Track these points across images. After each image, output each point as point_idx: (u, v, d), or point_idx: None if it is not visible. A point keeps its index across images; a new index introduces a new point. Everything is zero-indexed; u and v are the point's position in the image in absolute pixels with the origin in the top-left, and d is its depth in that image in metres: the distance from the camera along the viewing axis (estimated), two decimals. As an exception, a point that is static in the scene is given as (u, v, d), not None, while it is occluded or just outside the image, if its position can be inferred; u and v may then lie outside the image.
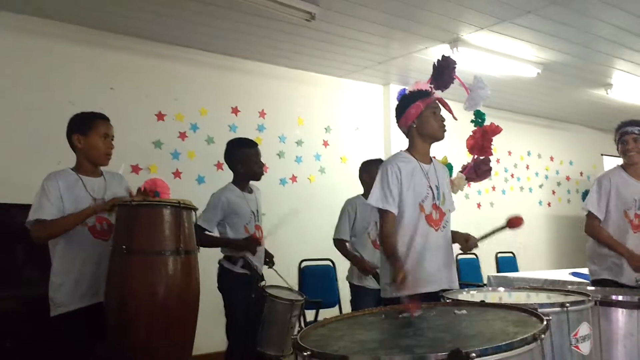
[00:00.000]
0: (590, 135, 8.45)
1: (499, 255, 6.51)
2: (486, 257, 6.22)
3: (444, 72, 2.72)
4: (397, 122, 2.60)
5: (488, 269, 6.15)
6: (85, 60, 4.55)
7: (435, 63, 2.76)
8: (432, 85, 2.69)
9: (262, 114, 5.42)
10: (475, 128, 3.73)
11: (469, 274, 5.90)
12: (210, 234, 3.19)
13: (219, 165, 4.96)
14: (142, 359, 2.25)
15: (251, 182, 3.40)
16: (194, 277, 2.44)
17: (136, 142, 4.68)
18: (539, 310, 1.65)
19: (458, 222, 6.48)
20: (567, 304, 1.80)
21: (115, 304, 2.33)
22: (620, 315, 2.13)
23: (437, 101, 2.53)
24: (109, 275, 2.37)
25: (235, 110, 5.26)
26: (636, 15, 4.39)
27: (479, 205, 7.25)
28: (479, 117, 3.78)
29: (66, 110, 2.68)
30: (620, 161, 3.28)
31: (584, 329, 1.84)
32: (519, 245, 7.15)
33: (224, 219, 3.15)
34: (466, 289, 2.39)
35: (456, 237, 2.62)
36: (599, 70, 5.83)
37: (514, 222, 2.47)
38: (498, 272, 6.16)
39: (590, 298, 1.94)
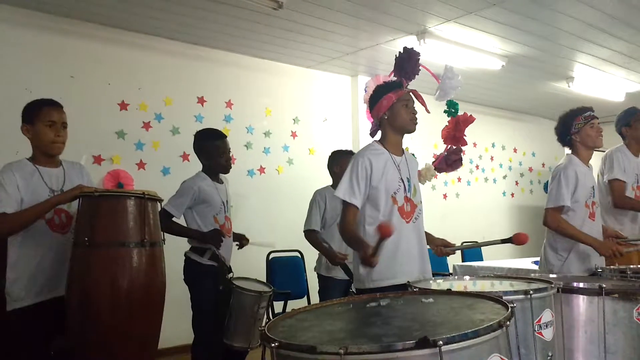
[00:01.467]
0: (552, 127, 8.57)
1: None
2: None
3: (406, 64, 2.72)
4: (370, 112, 2.59)
5: (454, 258, 6.25)
6: (44, 48, 4.39)
7: (397, 55, 2.76)
8: (395, 78, 2.68)
9: (229, 104, 5.35)
10: (449, 118, 3.78)
11: (435, 264, 5.91)
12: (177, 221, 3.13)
13: (184, 156, 4.88)
14: (104, 353, 2.19)
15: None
16: (160, 269, 2.40)
17: (98, 132, 4.57)
18: (504, 297, 1.67)
19: (425, 212, 6.59)
20: (531, 292, 1.83)
21: (76, 297, 2.27)
22: (582, 302, 2.17)
23: (410, 94, 2.53)
24: (70, 268, 2.30)
25: (201, 100, 5.18)
26: (598, 10, 4.50)
27: (445, 196, 7.35)
28: (451, 107, 3.82)
29: (23, 99, 2.57)
30: (567, 151, 3.32)
31: (546, 315, 1.88)
32: (483, 236, 7.30)
33: (192, 208, 3.09)
34: (432, 278, 2.41)
35: (432, 240, 2.63)
36: (561, 64, 5.97)
37: (520, 239, 2.45)
38: (463, 261, 6.27)
39: (552, 285, 1.98)
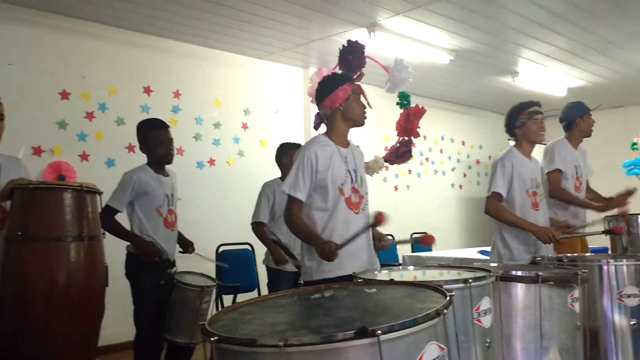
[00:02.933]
0: (498, 121, 8.76)
1: (414, 235, 6.74)
2: (401, 238, 6.41)
3: (351, 56, 2.72)
4: (319, 103, 2.56)
5: (403, 249, 6.36)
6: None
7: (341, 48, 2.76)
8: (340, 70, 2.69)
9: (176, 94, 5.23)
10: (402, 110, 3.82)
11: (385, 255, 6.03)
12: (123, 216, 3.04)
13: (130, 148, 4.74)
14: (39, 348, 2.11)
15: (167, 166, 3.27)
16: (99, 264, 2.32)
17: (38, 123, 4.38)
18: (444, 286, 1.71)
19: (376, 205, 6.65)
20: (470, 280, 1.87)
21: (11, 293, 2.18)
22: (520, 290, 2.25)
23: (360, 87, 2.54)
24: (3, 263, 2.21)
25: (147, 90, 5.04)
26: (541, 7, 4.64)
27: (396, 188, 7.46)
28: (403, 99, 3.86)
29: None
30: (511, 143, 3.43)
31: (485, 303, 1.93)
32: (432, 227, 7.46)
33: (134, 200, 3.01)
34: (379, 269, 2.43)
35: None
36: (506, 59, 6.13)
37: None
38: (413, 252, 6.39)
39: (491, 274, 2.03)
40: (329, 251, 2.22)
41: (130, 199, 2.99)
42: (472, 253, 5.49)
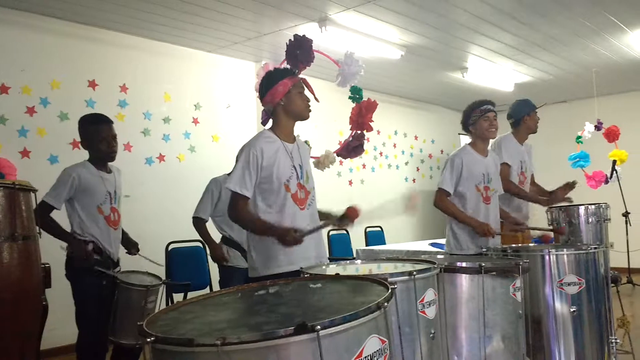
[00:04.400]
0: (449, 116, 9.08)
1: (368, 229, 6.81)
2: (356, 232, 6.46)
3: (297, 51, 2.71)
4: (262, 98, 2.55)
5: (358, 243, 6.41)
6: None
7: (288, 42, 2.74)
8: (288, 65, 2.67)
9: (123, 88, 5.07)
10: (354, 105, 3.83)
11: (340, 249, 6.10)
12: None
13: (74, 144, 4.58)
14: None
15: (112, 163, 3.16)
16: (35, 264, 2.22)
17: (-26, 118, 4.17)
18: (389, 279, 1.72)
19: (331, 198, 6.66)
20: (414, 272, 1.89)
21: (-62, 299, 2.05)
22: (464, 280, 2.29)
23: (302, 81, 2.52)
24: None
25: (92, 84, 4.87)
26: (488, 4, 4.74)
27: (350, 183, 7.50)
28: (355, 93, 3.87)
29: None
30: (467, 140, 3.52)
31: (429, 294, 1.95)
32: (386, 220, 7.54)
33: (73, 198, 2.90)
34: (325, 263, 2.43)
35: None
36: (456, 55, 6.25)
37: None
38: (367, 245, 6.45)
39: (435, 265, 2.06)
40: (294, 237, 2.22)
41: (69, 197, 2.88)
42: (424, 246, 5.58)
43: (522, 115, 3.87)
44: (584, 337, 2.85)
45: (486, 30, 5.43)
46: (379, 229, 6.99)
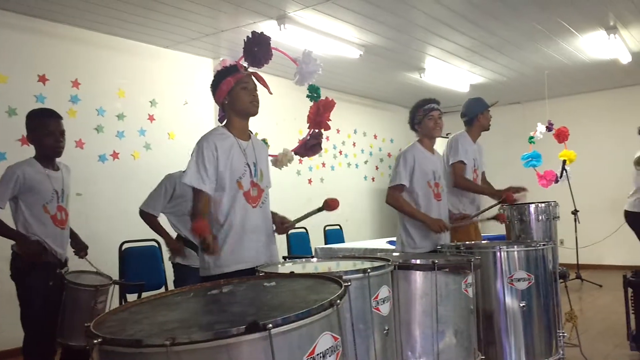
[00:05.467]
0: (407, 115, 9.19)
1: (327, 228, 6.83)
2: (315, 230, 6.47)
3: (255, 48, 2.69)
4: (214, 98, 2.54)
5: (317, 241, 6.42)
6: None
7: (245, 40, 2.72)
8: (246, 62, 2.65)
9: (75, 83, 4.91)
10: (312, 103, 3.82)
11: (299, 247, 6.09)
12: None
13: (23, 140, 4.40)
14: None
15: (61, 160, 3.06)
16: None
17: None
18: (344, 277, 1.73)
19: (290, 197, 6.66)
20: (369, 270, 1.91)
21: None
22: (418, 277, 2.33)
23: (250, 76, 2.50)
24: None
25: (42, 79, 4.69)
26: (444, 5, 4.82)
27: (310, 181, 7.50)
28: (313, 92, 3.87)
29: None
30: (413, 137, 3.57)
31: (383, 291, 1.98)
32: (347, 218, 7.60)
33: (18, 196, 2.79)
34: (280, 262, 2.42)
35: (273, 218, 2.64)
36: (414, 55, 6.34)
37: (330, 204, 2.51)
38: (326, 244, 6.47)
39: (390, 263, 2.09)
40: (211, 248, 2.19)
41: (14, 195, 2.77)
42: (382, 243, 5.64)
43: (476, 114, 3.96)
44: (533, 331, 2.94)
45: (443, 32, 5.52)
46: (337, 227, 7.03)
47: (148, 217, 3.59)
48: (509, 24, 5.38)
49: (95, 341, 1.28)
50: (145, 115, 5.49)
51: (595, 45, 6.11)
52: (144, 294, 3.90)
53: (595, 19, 5.30)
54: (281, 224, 2.55)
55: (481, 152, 4.05)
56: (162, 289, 4.35)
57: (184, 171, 3.58)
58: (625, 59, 6.52)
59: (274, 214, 2.60)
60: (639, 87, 8.24)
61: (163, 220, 3.70)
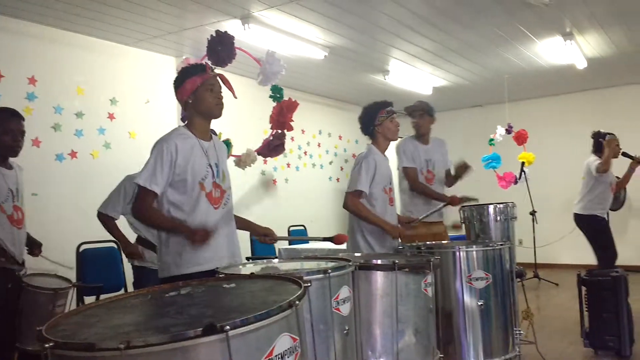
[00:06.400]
0: (372, 117, 9.27)
1: (292, 228, 6.83)
2: (280, 231, 6.43)
3: (219, 47, 2.67)
4: (175, 95, 2.49)
5: (281, 242, 6.39)
6: None
7: (209, 38, 2.70)
8: (209, 61, 2.63)
9: (32, 80, 4.76)
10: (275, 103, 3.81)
11: (263, 248, 6.06)
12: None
13: (-25, 138, 4.24)
14: None
15: (14, 160, 2.96)
16: None
17: None
18: (305, 277, 1.73)
19: (254, 197, 6.59)
20: (329, 270, 1.92)
21: None
22: (379, 277, 2.35)
23: (216, 78, 2.47)
24: None
25: (-4, 75, 4.54)
26: (407, 9, 4.88)
27: (274, 182, 7.48)
28: (276, 93, 3.86)
29: None
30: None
31: (344, 292, 1.99)
32: (312, 219, 7.60)
33: None
34: (242, 263, 2.41)
35: (255, 230, 2.63)
36: (378, 57, 6.40)
37: (340, 239, 2.58)
38: (290, 245, 6.45)
39: (351, 263, 2.10)
40: (203, 234, 2.19)
41: None
42: (346, 244, 5.65)
43: (431, 114, 4.03)
44: (491, 329, 3.01)
45: (406, 35, 5.59)
46: (302, 227, 7.03)
47: (106, 220, 3.52)
48: (470, 29, 5.49)
49: (47, 345, 1.24)
50: (105, 114, 5.36)
51: (552, 51, 6.30)
52: (103, 297, 3.82)
53: (552, 25, 5.46)
54: (265, 236, 2.56)
55: (443, 149, 4.09)
56: (122, 291, 4.27)
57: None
58: (581, 64, 6.74)
59: (255, 225, 2.59)
60: (594, 91, 8.54)
61: (123, 222, 3.63)
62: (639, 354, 3.77)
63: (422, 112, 4.00)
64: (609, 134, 5.07)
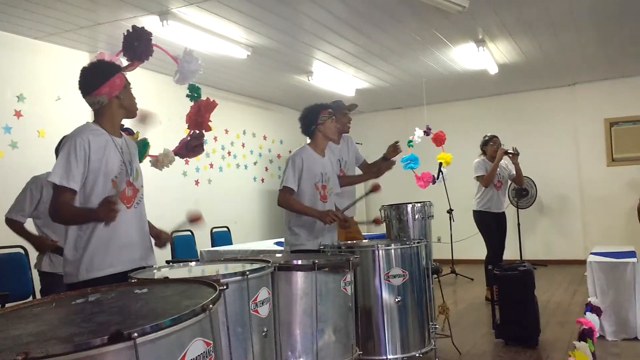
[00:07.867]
0: (296, 117, 9.26)
1: (214, 230, 6.71)
2: (202, 233, 6.33)
3: (135, 43, 2.58)
4: (92, 90, 2.35)
5: (203, 244, 6.28)
6: None
7: (125, 33, 2.60)
8: (125, 57, 2.54)
9: None
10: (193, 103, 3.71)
11: (184, 251, 5.92)
12: None
13: None
14: None
15: None
16: None
17: None
18: (221, 280, 1.70)
19: (176, 198, 6.44)
20: (247, 272, 1.90)
21: None
22: (299, 278, 2.37)
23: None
24: None
25: None
26: (329, 12, 4.94)
27: (197, 182, 7.32)
28: (194, 92, 3.76)
29: None
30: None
31: (263, 293, 1.98)
32: (235, 220, 7.51)
33: None
34: (155, 267, 2.34)
35: (150, 231, 2.54)
36: (302, 59, 6.42)
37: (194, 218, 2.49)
38: (213, 246, 6.34)
39: (270, 264, 2.09)
40: (107, 206, 2.10)
41: None
42: (270, 245, 5.64)
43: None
44: (408, 324, 3.11)
45: (328, 37, 5.65)
46: (225, 229, 6.93)
47: (15, 225, 3.30)
48: (389, 33, 5.64)
49: None
50: (12, 111, 5.02)
51: (466, 57, 6.61)
52: (9, 306, 3.57)
53: (466, 32, 5.72)
54: (157, 237, 2.47)
55: (351, 145, 4.19)
56: (30, 300, 4.01)
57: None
58: (493, 70, 7.12)
59: (150, 226, 2.50)
60: (506, 96, 9.06)
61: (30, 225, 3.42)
62: (544, 344, 4.03)
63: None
64: (493, 137, 5.83)
